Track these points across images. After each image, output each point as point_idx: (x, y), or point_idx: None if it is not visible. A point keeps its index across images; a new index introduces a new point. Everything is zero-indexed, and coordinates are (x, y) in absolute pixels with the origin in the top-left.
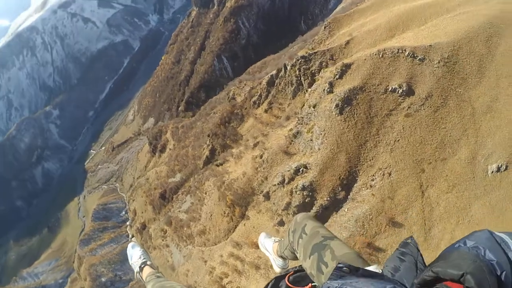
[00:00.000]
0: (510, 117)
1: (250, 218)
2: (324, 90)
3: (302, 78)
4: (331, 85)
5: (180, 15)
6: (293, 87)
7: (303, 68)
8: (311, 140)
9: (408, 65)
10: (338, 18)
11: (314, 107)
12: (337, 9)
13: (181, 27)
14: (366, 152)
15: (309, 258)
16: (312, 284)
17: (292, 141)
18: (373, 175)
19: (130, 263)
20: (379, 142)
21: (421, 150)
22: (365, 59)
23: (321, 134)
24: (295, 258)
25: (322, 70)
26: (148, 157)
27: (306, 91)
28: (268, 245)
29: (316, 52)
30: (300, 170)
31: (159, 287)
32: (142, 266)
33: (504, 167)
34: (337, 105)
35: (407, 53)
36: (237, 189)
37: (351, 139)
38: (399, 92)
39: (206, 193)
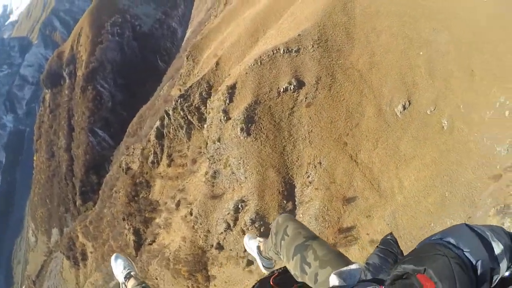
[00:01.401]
0: (390, 62)
1: (216, 276)
2: (220, 120)
3: (189, 116)
4: (226, 112)
5: (34, 104)
6: (185, 129)
7: (186, 107)
8: (233, 173)
9: (287, 61)
10: (196, 44)
11: (218, 141)
12: (187, 35)
13: (40, 116)
14: (290, 156)
15: (292, 260)
16: (298, 285)
17: (213, 183)
18: (307, 172)
19: (114, 275)
20: (296, 141)
21: (335, 128)
22: (246, 73)
23: (240, 163)
24: (280, 259)
25: (208, 100)
26: (73, 272)
27: (201, 127)
28: (253, 246)
29: (191, 86)
30: (239, 206)
31: None
32: (127, 277)
33: (408, 103)
34: (241, 129)
35: (282, 50)
36: (186, 257)
37: (271, 152)
38: (291, 88)
39: (157, 279)
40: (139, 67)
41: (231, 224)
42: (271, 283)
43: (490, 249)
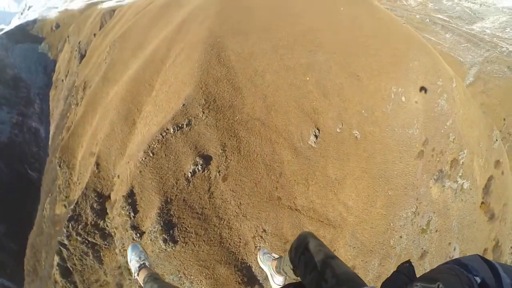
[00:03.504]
0: (283, 98)
1: None
2: (133, 239)
3: (89, 238)
4: (135, 227)
5: None
6: (91, 255)
7: (81, 229)
8: None
9: (182, 139)
10: (64, 145)
11: None
12: (51, 132)
13: None
14: (231, 240)
15: (310, 275)
16: None
17: None
18: (256, 246)
19: (129, 265)
20: (230, 222)
21: (262, 189)
22: (140, 172)
23: (181, 277)
24: (294, 274)
25: (106, 217)
26: None
27: (108, 244)
28: (267, 261)
29: (77, 202)
30: None
31: None
32: (140, 268)
33: (317, 130)
34: (164, 240)
35: (172, 130)
36: None
37: (209, 249)
38: (199, 168)
39: None
40: (10, 186)
41: None
42: None
43: (498, 279)
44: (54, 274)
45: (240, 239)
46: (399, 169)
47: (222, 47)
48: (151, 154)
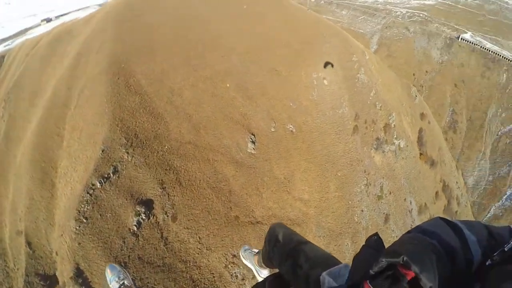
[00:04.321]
0: (209, 113)
1: None
2: None
3: None
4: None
5: None
6: None
7: None
8: None
9: (114, 190)
10: None
11: None
12: None
13: None
14: (203, 279)
15: (285, 264)
16: None
17: None
18: (231, 274)
19: (109, 286)
20: (196, 261)
21: (217, 215)
22: (79, 244)
23: None
24: (273, 266)
25: None
26: None
27: None
28: (249, 257)
29: None
30: None
31: None
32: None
33: (252, 136)
34: None
35: (98, 184)
36: None
37: None
38: (143, 217)
39: None
40: None
41: None
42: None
43: (463, 239)
44: None
45: (213, 274)
46: (340, 150)
47: (129, 73)
48: (84, 220)
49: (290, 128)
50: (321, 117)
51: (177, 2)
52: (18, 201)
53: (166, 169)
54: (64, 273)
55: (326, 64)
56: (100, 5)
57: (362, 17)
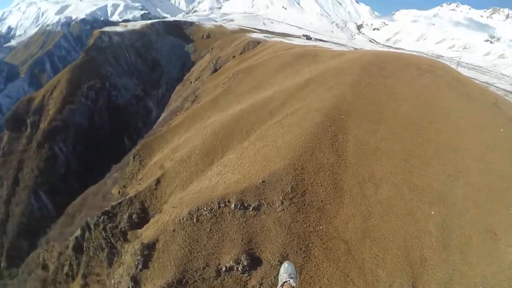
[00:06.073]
0: (391, 228)
1: None
2: (128, 287)
3: (112, 240)
4: (136, 280)
5: None
6: (106, 252)
7: (109, 228)
8: None
9: (240, 222)
10: (148, 143)
11: None
12: (160, 119)
13: None
14: None
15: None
16: None
17: None
18: None
19: (278, 276)
20: None
21: None
22: (173, 231)
23: None
24: None
25: (125, 245)
26: None
27: (122, 256)
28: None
29: (120, 203)
30: None
31: None
32: (283, 283)
33: None
34: None
35: (233, 205)
36: None
37: None
38: (239, 268)
39: None
40: (103, 140)
41: None
42: None
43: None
44: (69, 241)
45: None
46: None
47: (343, 128)
48: (194, 219)
49: None
50: None
51: (435, 93)
52: (182, 148)
53: (300, 248)
54: (140, 241)
55: None
56: (355, 49)
57: None
